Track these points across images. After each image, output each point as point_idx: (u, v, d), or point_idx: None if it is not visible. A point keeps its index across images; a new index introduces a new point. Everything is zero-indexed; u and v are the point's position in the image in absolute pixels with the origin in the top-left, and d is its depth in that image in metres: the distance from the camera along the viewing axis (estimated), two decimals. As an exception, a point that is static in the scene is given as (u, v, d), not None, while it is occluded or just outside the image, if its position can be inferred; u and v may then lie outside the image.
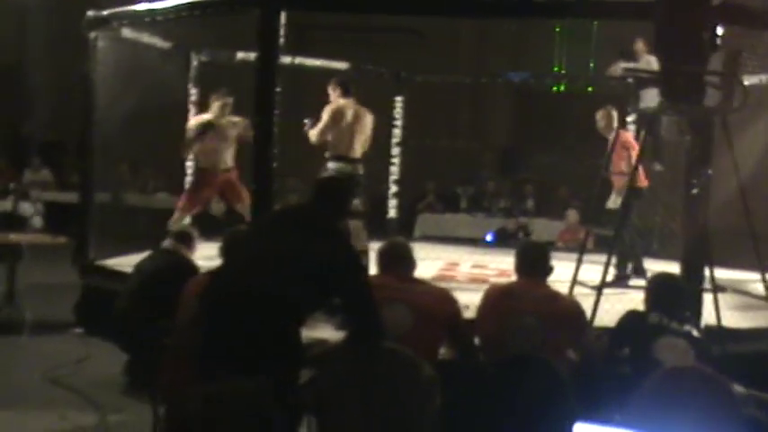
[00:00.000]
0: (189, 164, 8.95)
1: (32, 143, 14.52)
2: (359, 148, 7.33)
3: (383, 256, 4.59)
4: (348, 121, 7.24)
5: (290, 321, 3.71)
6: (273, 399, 2.06)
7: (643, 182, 7.30)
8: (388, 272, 4.51)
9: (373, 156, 7.87)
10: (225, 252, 5.03)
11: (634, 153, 6.95)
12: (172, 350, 4.56)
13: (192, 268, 5.62)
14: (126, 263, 7.06)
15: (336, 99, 7.32)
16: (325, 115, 7.20)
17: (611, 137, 7.30)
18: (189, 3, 6.84)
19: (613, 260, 7.24)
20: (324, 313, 4.44)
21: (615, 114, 7.54)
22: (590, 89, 11.51)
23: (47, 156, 14.24)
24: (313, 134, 7.19)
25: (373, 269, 4.60)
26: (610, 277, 7.08)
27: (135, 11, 7.36)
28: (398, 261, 4.55)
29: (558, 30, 13.89)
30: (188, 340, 4.21)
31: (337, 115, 7.20)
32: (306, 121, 7.25)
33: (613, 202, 7.36)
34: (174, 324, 4.69)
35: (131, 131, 8.11)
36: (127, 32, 7.84)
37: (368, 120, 7.42)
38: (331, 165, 7.20)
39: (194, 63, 9.10)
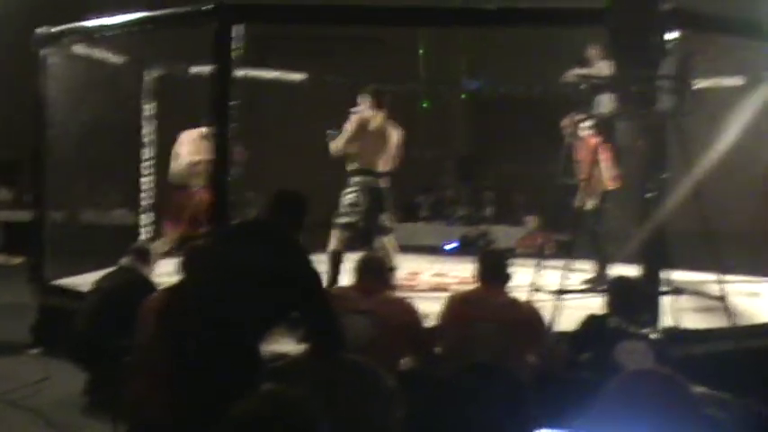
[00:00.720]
0: (145, 180, 8.86)
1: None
2: (382, 163, 7.15)
3: (354, 269, 4.65)
4: (372, 134, 7.06)
5: (252, 336, 3.68)
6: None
7: (613, 184, 7.35)
8: (355, 284, 4.57)
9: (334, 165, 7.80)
10: (184, 267, 5.01)
11: (603, 157, 7.02)
12: (133, 368, 4.52)
13: (149, 285, 5.59)
14: (83, 281, 6.96)
15: (365, 110, 7.12)
16: (349, 126, 7.02)
17: (577, 143, 7.36)
18: (141, 17, 6.77)
19: (594, 264, 7.32)
20: (285, 327, 4.42)
21: (580, 121, 7.59)
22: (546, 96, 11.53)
23: (2, 174, 14.01)
24: (334, 145, 7.01)
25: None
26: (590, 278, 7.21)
27: (86, 27, 7.22)
28: (366, 273, 4.61)
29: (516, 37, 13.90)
30: (149, 357, 4.18)
31: (361, 127, 7.02)
32: (329, 132, 7.03)
33: (580, 200, 7.35)
34: (135, 342, 4.65)
35: (86, 148, 7.99)
36: (79, 48, 7.66)
37: (393, 134, 7.23)
38: (354, 179, 7.04)
39: (147, 78, 9.00)
